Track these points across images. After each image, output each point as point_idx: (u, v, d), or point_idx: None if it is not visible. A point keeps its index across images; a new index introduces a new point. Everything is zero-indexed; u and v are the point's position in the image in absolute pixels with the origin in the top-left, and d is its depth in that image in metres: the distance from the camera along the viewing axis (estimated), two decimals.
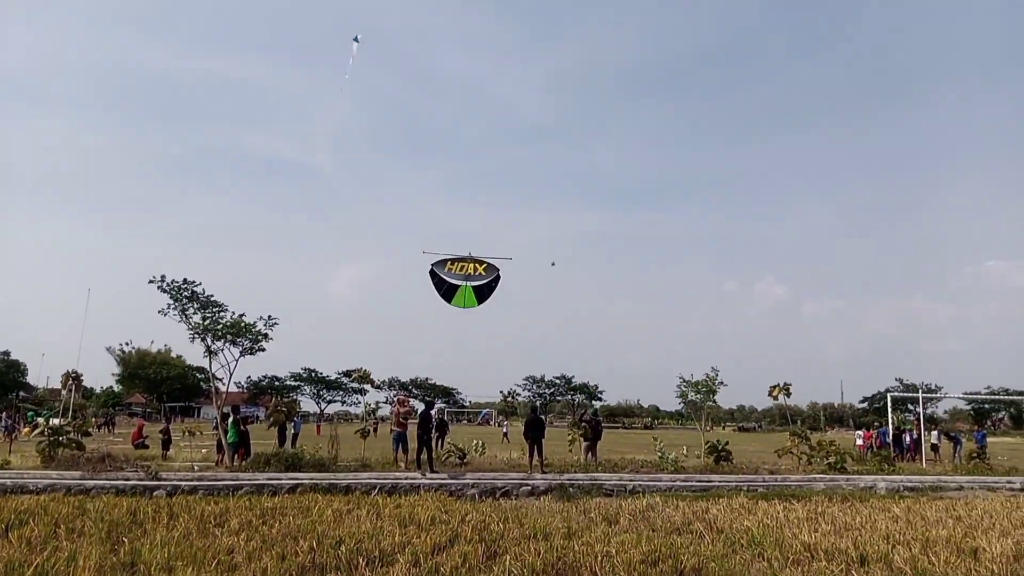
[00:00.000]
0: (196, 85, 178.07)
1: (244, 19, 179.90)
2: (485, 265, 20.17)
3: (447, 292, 20.24)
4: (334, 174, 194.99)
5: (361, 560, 8.94)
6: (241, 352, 21.40)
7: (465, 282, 20.15)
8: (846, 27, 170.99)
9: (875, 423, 44.33)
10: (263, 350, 21.08)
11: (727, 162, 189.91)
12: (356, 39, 21.66)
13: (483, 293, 20.32)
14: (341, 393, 72.94)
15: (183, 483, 16.03)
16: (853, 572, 9.14)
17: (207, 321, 20.73)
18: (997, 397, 73.65)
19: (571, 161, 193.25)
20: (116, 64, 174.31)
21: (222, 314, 21.18)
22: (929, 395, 68.77)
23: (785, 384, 24.27)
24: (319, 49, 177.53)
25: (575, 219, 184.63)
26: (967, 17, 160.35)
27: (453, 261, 20.04)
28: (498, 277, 20.25)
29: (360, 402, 79.43)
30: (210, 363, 21.50)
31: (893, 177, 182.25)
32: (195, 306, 21.06)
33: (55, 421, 23.35)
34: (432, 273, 20.36)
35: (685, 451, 26.19)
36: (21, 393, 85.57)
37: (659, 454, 22.52)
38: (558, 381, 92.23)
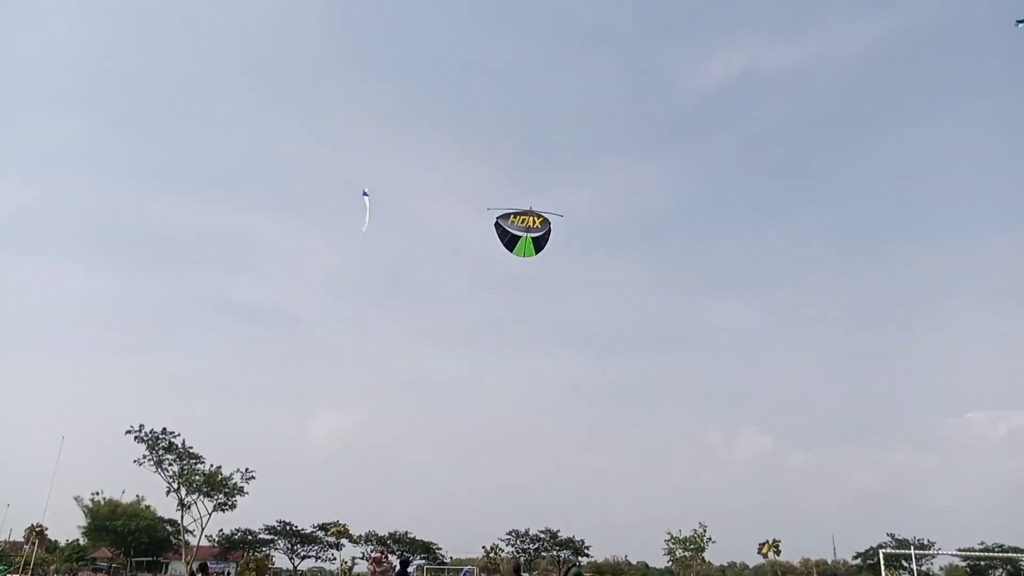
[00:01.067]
0: (186, 236, 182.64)
1: (237, 172, 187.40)
2: (542, 219, 22.51)
3: (510, 242, 22.68)
4: (317, 321, 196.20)
5: None
6: (215, 506, 21.12)
7: (526, 233, 22.47)
8: (820, 186, 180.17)
9: None
10: (234, 507, 20.81)
11: (707, 312, 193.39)
12: (365, 193, 22.83)
13: (540, 243, 22.72)
14: (316, 548, 70.44)
15: None
16: None
17: (184, 473, 20.62)
18: (993, 554, 71.73)
19: (551, 309, 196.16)
20: (106, 214, 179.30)
21: (198, 465, 21.08)
22: (922, 551, 66.98)
23: (774, 541, 23.98)
24: (311, 199, 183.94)
25: (555, 367, 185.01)
26: (940, 171, 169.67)
27: (516, 214, 22.39)
28: (550, 230, 22.49)
29: (335, 557, 76.44)
30: (182, 517, 21.17)
31: (870, 328, 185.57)
32: (172, 457, 20.99)
33: None
34: (497, 225, 22.62)
35: None
36: None
37: None
38: (543, 535, 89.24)
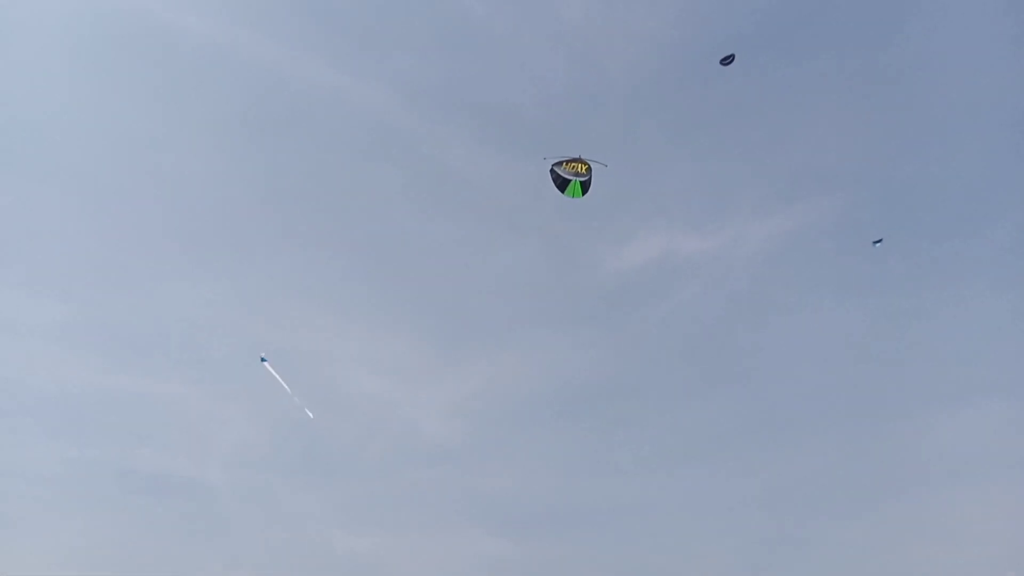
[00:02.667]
0: (87, 398, 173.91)
1: (149, 333, 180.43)
2: (587, 166, 25.80)
3: (561, 184, 26.00)
4: (226, 493, 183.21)
5: None
6: None
7: (575, 178, 25.84)
8: (735, 366, 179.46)
9: None
10: None
11: (632, 490, 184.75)
12: (263, 359, 23.74)
13: (586, 187, 26.16)
14: None
15: None
16: None
17: None
18: None
19: (472, 486, 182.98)
20: None
21: None
22: None
23: None
24: (226, 364, 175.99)
25: (475, 546, 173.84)
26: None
27: (567, 161, 25.69)
28: (591, 178, 26.03)
29: None
30: None
31: (790, 514, 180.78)
32: None
33: None
34: (552, 171, 25.88)
35: None
36: None
37: None
38: None
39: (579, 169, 25.85)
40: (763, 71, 44.23)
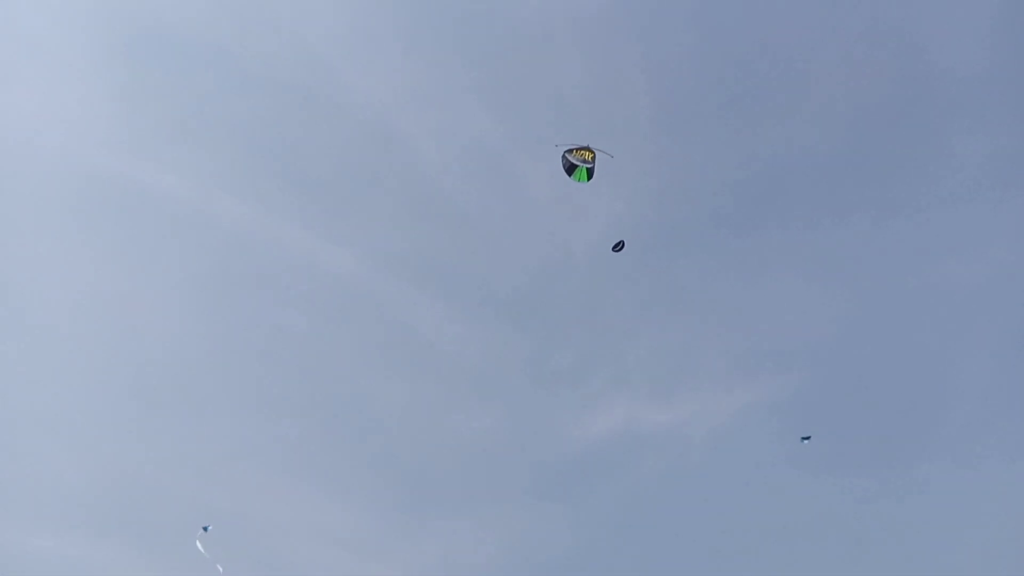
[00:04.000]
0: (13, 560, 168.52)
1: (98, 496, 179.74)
2: (594, 155, 27.88)
3: (569, 169, 28.30)
4: None
5: None
6: None
7: (582, 164, 27.91)
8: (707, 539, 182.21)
9: None
10: None
11: None
12: (205, 528, 23.08)
13: (591, 173, 28.50)
14: None
15: None
16: None
17: None
18: None
19: None
20: None
21: None
22: None
23: None
24: (164, 530, 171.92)
25: None
26: None
27: (576, 149, 27.76)
28: (595, 166, 28.25)
29: None
30: None
31: None
32: None
33: None
34: (563, 157, 28.10)
35: None
36: None
37: None
38: None
39: (586, 156, 27.95)
40: (724, 245, 46.53)
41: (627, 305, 46.59)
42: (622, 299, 46.52)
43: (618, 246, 30.82)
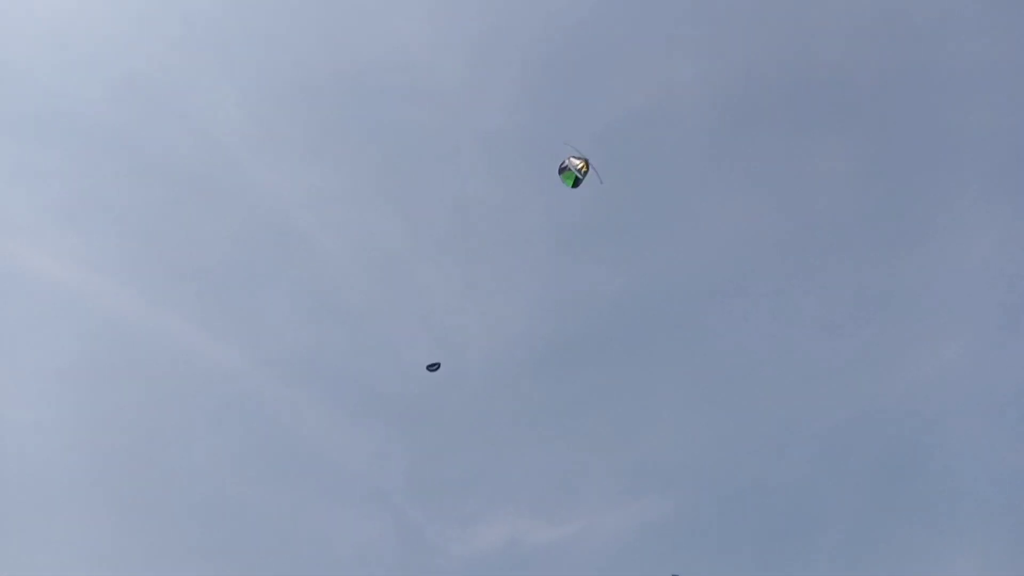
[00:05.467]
0: None
1: None
2: (588, 171, 28.81)
3: (561, 171, 29.13)
4: None
5: None
6: None
7: (574, 171, 28.65)
8: None
9: None
10: None
11: None
12: None
13: (578, 183, 29.29)
14: None
15: None
16: None
17: None
18: None
19: None
20: None
21: None
22: None
23: None
24: None
25: None
26: None
27: (576, 157, 28.73)
28: (581, 180, 29.06)
29: None
30: None
31: None
32: None
33: None
34: (568, 158, 28.82)
35: None
36: None
37: None
38: None
39: (582, 167, 28.80)
40: (613, 364, 47.18)
41: (515, 419, 46.46)
42: (510, 413, 46.43)
43: (433, 366, 31.18)
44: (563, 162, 29.52)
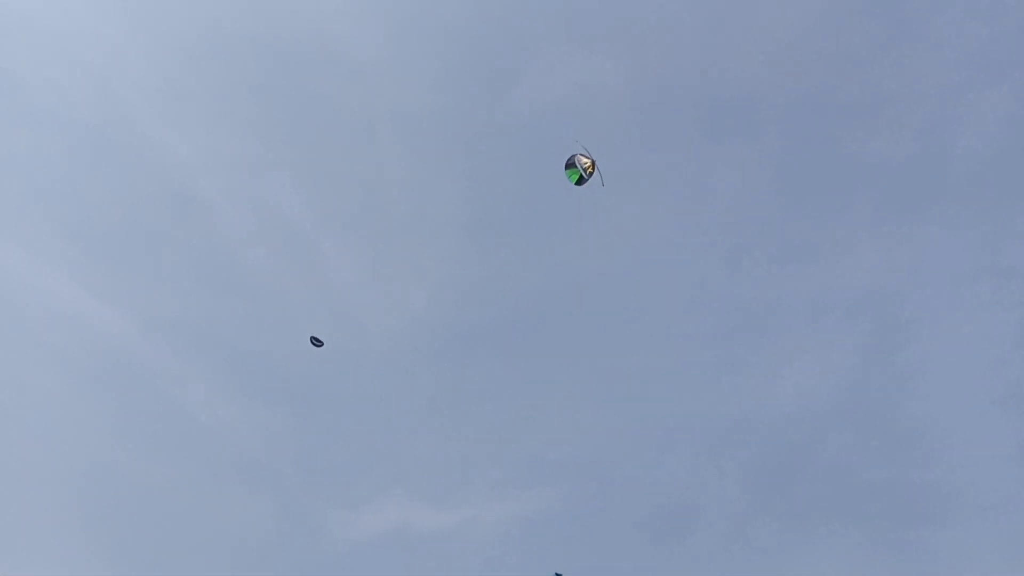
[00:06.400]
0: None
1: None
2: (592, 171, 28.34)
3: (567, 166, 28.66)
4: None
5: None
6: None
7: (580, 169, 28.22)
8: None
9: None
10: None
11: None
12: None
13: (582, 180, 28.78)
14: None
15: None
16: None
17: None
18: None
19: None
20: None
21: None
22: None
23: None
24: None
25: None
26: None
27: (584, 156, 28.29)
28: (586, 180, 28.65)
29: None
30: None
31: None
32: None
33: None
34: (576, 156, 28.37)
35: None
36: None
37: None
38: None
39: (588, 166, 28.50)
40: (512, 355, 47.55)
41: (410, 404, 46.19)
42: (406, 397, 46.13)
43: (317, 341, 31.07)
44: (571, 157, 29.11)
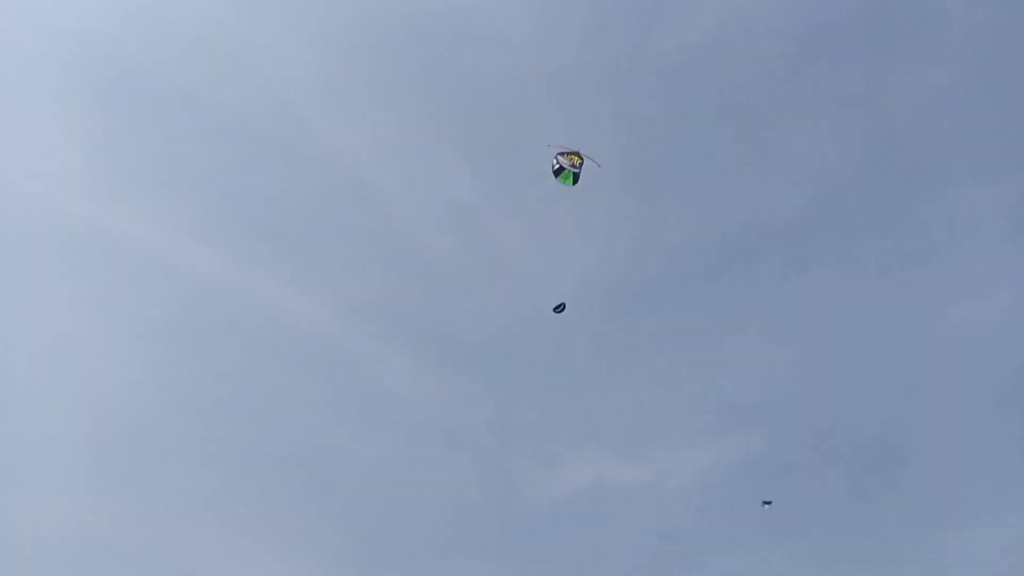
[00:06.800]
0: None
1: None
2: (583, 161, 27.82)
3: (556, 172, 28.00)
4: None
5: None
6: None
7: (570, 167, 27.70)
8: None
9: None
10: None
11: None
12: None
13: (577, 178, 28.19)
14: None
15: None
16: None
17: None
18: None
19: None
20: None
21: None
22: None
23: None
24: None
25: None
26: None
27: (566, 153, 27.76)
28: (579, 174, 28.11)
29: None
30: None
31: None
32: None
33: None
34: (555, 158, 27.88)
35: None
36: None
37: None
38: None
39: (575, 161, 28.05)
40: (690, 304, 47.02)
41: (594, 362, 46.67)
42: (590, 356, 46.62)
43: (559, 307, 31.27)
44: (555, 164, 28.55)
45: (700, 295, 47.08)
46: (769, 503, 34.70)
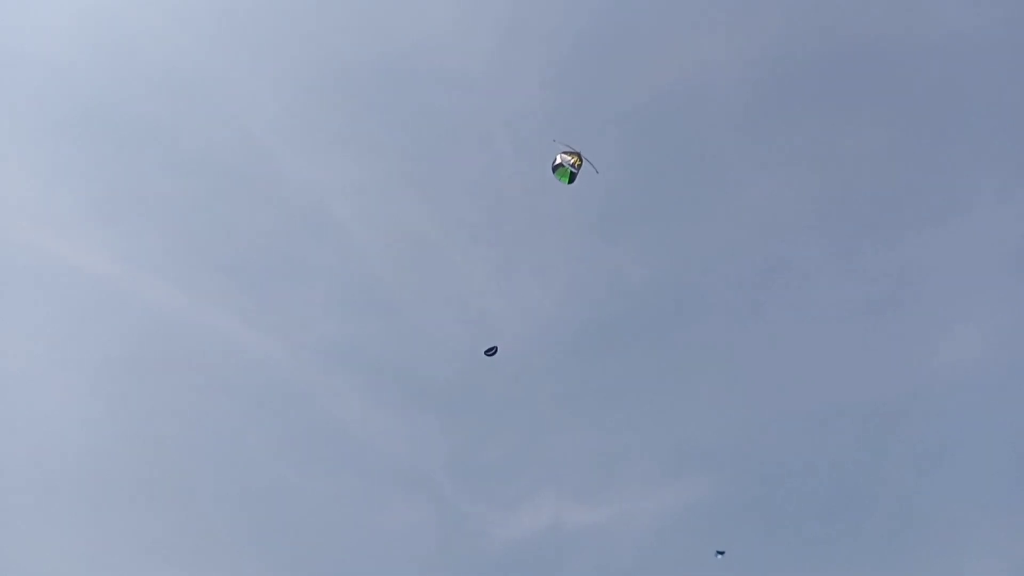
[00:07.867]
0: None
1: None
2: (582, 163, 28.05)
3: (554, 169, 28.37)
4: None
5: None
6: None
7: (569, 167, 27.95)
8: None
9: None
10: None
11: None
12: None
13: (573, 177, 28.43)
14: None
15: None
16: None
17: None
18: None
19: None
20: None
21: None
22: None
23: None
24: None
25: None
26: None
27: (569, 152, 28.08)
28: (576, 174, 28.27)
29: None
30: None
31: None
32: None
33: None
34: (560, 155, 28.14)
35: None
36: None
37: None
38: None
39: (575, 162, 28.28)
40: (651, 346, 47.16)
41: (552, 403, 46.59)
42: (548, 397, 46.54)
43: (491, 351, 31.22)
44: (555, 159, 28.88)
45: (659, 340, 47.33)
46: (722, 553, 34.54)
